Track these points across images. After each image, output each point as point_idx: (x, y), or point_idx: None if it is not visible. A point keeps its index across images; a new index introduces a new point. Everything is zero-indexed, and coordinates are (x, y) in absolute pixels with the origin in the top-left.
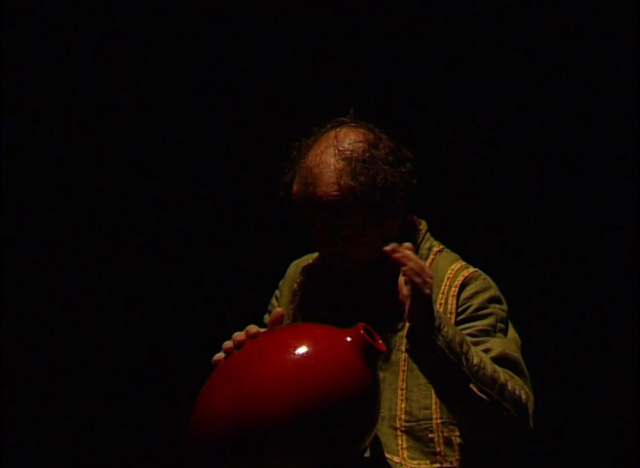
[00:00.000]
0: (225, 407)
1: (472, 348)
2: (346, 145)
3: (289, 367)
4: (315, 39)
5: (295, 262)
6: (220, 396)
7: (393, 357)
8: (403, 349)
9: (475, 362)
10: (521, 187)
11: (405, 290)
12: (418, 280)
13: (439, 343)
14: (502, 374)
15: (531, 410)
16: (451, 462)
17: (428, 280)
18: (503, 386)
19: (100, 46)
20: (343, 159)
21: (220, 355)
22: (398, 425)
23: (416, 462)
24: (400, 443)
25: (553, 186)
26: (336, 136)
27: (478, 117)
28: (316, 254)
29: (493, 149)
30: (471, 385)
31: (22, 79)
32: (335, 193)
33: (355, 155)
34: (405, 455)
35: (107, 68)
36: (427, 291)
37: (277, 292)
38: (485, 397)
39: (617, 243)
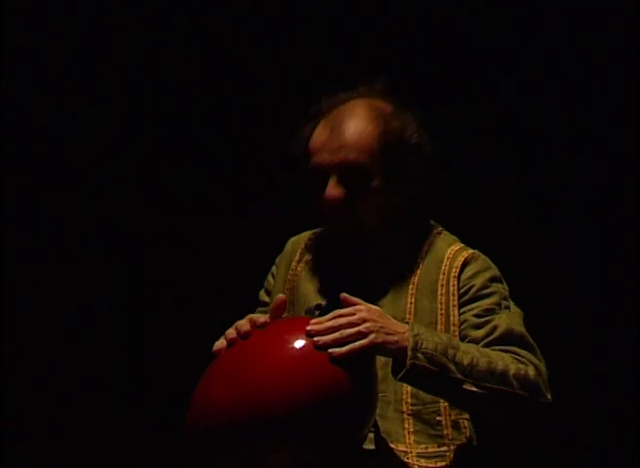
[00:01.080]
0: (224, 399)
1: (461, 349)
2: (380, 104)
3: (287, 360)
4: (328, 25)
5: (292, 239)
6: (219, 388)
7: None
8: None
9: (466, 363)
10: (521, 177)
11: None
12: (358, 344)
13: (420, 363)
14: (501, 361)
15: (544, 383)
16: (457, 445)
17: (365, 326)
18: (504, 373)
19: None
20: (375, 117)
21: (222, 344)
22: (405, 409)
23: (422, 446)
24: (407, 426)
25: (553, 175)
26: (369, 95)
27: (480, 106)
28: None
29: (495, 139)
30: (467, 386)
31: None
32: (360, 142)
33: (387, 113)
34: (411, 440)
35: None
36: (370, 338)
37: (274, 268)
38: (484, 391)
39: (616, 240)
